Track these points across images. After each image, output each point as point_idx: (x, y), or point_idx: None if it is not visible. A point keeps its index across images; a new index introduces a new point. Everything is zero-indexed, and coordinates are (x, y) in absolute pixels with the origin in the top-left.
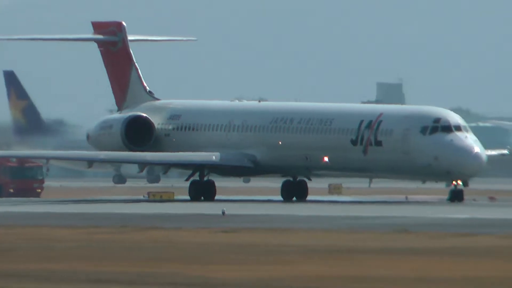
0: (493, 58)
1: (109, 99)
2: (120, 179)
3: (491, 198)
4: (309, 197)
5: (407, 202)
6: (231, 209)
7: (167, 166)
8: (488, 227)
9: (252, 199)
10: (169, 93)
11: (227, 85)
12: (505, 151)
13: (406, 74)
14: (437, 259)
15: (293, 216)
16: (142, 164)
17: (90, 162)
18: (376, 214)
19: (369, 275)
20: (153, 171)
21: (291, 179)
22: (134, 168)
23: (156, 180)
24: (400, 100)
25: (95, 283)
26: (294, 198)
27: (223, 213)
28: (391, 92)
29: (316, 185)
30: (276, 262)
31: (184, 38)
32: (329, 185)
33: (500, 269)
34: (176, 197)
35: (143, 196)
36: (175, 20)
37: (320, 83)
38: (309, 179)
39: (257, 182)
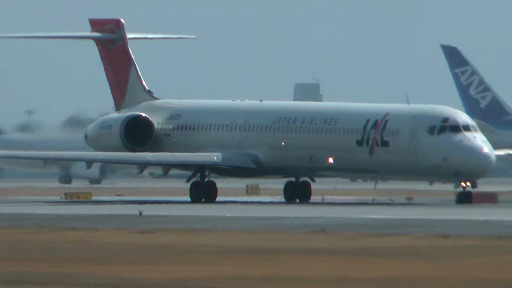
0: (406, 57)
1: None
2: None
3: (408, 198)
4: (224, 198)
5: (324, 203)
6: (148, 210)
7: (168, 167)
8: (405, 227)
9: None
10: (169, 92)
11: (227, 85)
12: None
13: (322, 75)
14: (354, 259)
15: (211, 217)
16: (143, 165)
17: (89, 162)
18: (295, 215)
19: (286, 275)
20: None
21: (293, 180)
22: (83, 168)
23: (68, 181)
24: (316, 100)
25: (11, 284)
26: (297, 200)
27: (140, 213)
28: (308, 92)
29: (235, 185)
30: (193, 262)
31: (184, 36)
32: (247, 186)
33: (414, 269)
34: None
35: (60, 198)
36: (175, 17)
37: (235, 84)
38: (313, 180)
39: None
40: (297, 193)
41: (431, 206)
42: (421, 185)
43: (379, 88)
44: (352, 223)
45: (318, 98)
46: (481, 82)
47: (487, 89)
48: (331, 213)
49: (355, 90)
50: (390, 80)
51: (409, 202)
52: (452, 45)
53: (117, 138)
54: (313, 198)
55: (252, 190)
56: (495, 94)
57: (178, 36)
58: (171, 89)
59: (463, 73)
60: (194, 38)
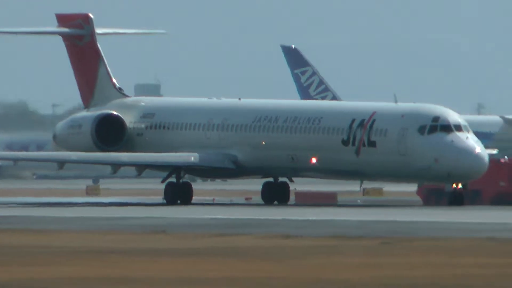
0: (246, 56)
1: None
2: None
3: (247, 199)
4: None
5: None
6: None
7: (142, 167)
8: (246, 227)
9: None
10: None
11: (201, 82)
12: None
13: (163, 75)
14: (195, 260)
15: (54, 218)
16: (117, 165)
17: (61, 163)
18: (136, 215)
19: (128, 276)
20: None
21: (271, 180)
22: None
23: None
24: None
25: None
26: (276, 202)
27: None
28: (149, 93)
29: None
30: (39, 263)
31: (154, 31)
32: (87, 187)
33: (254, 269)
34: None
35: None
36: (144, 12)
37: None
38: (291, 181)
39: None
40: (276, 194)
41: (271, 207)
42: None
43: (218, 87)
44: (193, 223)
45: None
46: (321, 82)
47: (326, 89)
48: (172, 213)
49: (197, 89)
50: (228, 80)
51: (248, 203)
52: (292, 45)
53: (87, 138)
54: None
55: (91, 191)
56: (334, 94)
57: (148, 31)
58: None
59: (303, 73)
60: (163, 33)
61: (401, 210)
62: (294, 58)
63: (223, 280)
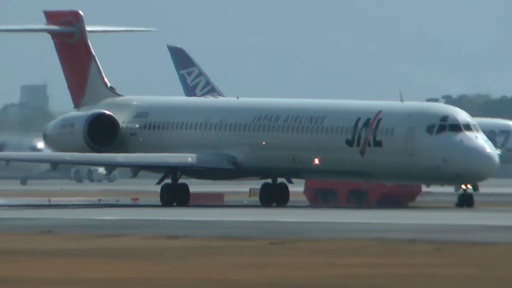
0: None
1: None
2: None
3: (134, 199)
4: None
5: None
6: None
7: (137, 169)
8: (132, 228)
9: None
10: (130, 88)
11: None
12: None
13: (50, 76)
14: (80, 260)
15: None
16: (112, 166)
17: (55, 164)
18: (21, 216)
19: (12, 276)
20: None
21: (270, 181)
22: None
23: None
24: (44, 102)
25: None
26: (274, 204)
27: None
28: (35, 94)
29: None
30: None
31: (145, 29)
32: None
33: (140, 269)
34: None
35: None
36: (134, 9)
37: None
38: (290, 182)
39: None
40: (274, 196)
41: (157, 208)
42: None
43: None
44: (78, 224)
45: (45, 99)
46: (208, 83)
47: (213, 89)
48: (58, 214)
49: None
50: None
51: (135, 203)
52: (179, 46)
53: (80, 138)
54: (40, 200)
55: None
56: (220, 93)
57: (139, 28)
58: (131, 85)
59: (189, 74)
60: (154, 30)
61: (288, 210)
62: (180, 58)
63: (104, 281)
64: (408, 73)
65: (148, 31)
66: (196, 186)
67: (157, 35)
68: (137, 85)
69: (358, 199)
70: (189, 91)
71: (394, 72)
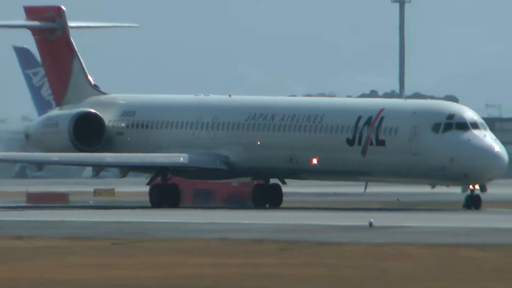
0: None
1: None
2: None
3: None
4: None
5: None
6: None
7: (126, 169)
8: None
9: None
10: (112, 86)
11: (174, 78)
12: None
13: None
14: None
15: None
16: (100, 167)
17: (41, 164)
18: None
19: None
20: None
21: (262, 182)
22: None
23: None
24: None
25: None
26: (267, 205)
27: None
28: None
29: None
30: None
31: (128, 25)
32: None
33: None
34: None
35: None
36: (118, 4)
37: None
38: (283, 183)
39: None
40: (267, 197)
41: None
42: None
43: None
44: None
45: None
46: None
47: None
48: None
49: None
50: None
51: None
52: (25, 46)
53: (65, 137)
54: None
55: None
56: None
57: (122, 24)
58: (114, 83)
59: (35, 74)
60: (136, 26)
61: (133, 211)
62: (26, 58)
63: None
64: (249, 72)
65: (131, 27)
66: (38, 186)
67: (140, 32)
68: (120, 83)
69: (204, 199)
70: (35, 91)
71: (237, 71)
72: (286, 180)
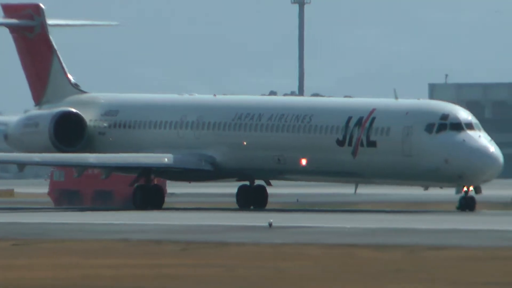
0: None
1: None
2: None
3: None
4: None
5: None
6: None
7: (109, 170)
8: None
9: None
10: (92, 85)
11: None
12: None
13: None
14: None
15: None
16: (84, 168)
17: (22, 165)
18: None
19: None
20: None
21: (247, 183)
22: None
23: None
24: None
25: None
26: (252, 207)
27: None
28: None
29: None
30: None
31: (106, 23)
32: None
33: None
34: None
35: None
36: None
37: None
38: (269, 184)
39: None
40: (252, 199)
41: None
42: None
43: None
44: None
45: None
46: None
47: None
48: None
49: None
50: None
51: None
52: None
53: (45, 137)
54: None
55: None
56: None
57: (101, 22)
58: (93, 82)
59: None
60: (116, 24)
61: (33, 211)
62: None
63: None
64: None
65: (110, 25)
66: None
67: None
68: (101, 82)
69: (104, 200)
70: None
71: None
72: (272, 182)
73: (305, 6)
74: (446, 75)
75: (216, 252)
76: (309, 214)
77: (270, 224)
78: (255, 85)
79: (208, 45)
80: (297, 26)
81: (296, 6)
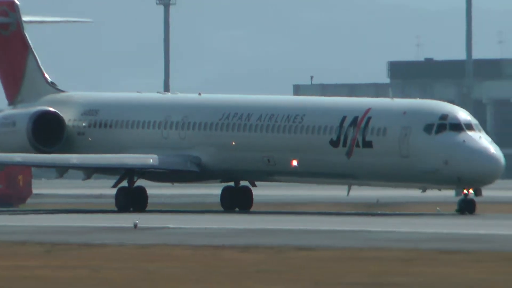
0: None
1: None
2: None
3: None
4: None
5: None
6: None
7: (92, 170)
8: None
9: None
10: (72, 84)
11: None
12: None
13: None
14: None
15: None
16: (65, 168)
17: (1, 166)
18: None
19: None
20: None
21: (232, 185)
22: None
23: None
24: None
25: None
26: (237, 209)
27: None
28: None
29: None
30: None
31: (81, 20)
32: None
33: None
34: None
35: None
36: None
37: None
38: (254, 185)
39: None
40: (237, 200)
41: None
42: None
43: None
44: None
45: None
46: None
47: None
48: None
49: None
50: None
51: None
52: None
53: (23, 137)
54: None
55: None
56: None
57: (75, 19)
58: (68, 80)
59: None
60: (90, 21)
61: None
62: None
63: None
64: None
65: (84, 22)
66: None
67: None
68: (76, 81)
69: None
70: None
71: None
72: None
73: (171, 7)
74: (312, 76)
75: (80, 254)
76: (177, 216)
77: (135, 225)
78: (122, 86)
79: (75, 46)
80: (163, 27)
81: (161, 7)
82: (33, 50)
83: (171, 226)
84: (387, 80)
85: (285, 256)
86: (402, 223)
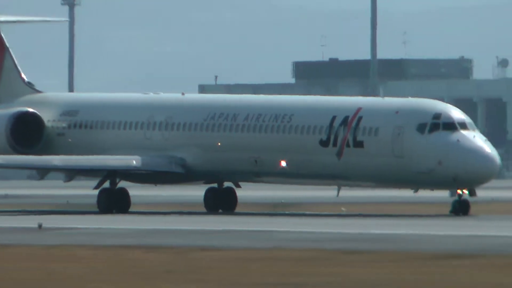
0: None
1: None
2: None
3: None
4: None
5: None
6: None
7: (73, 172)
8: None
9: None
10: (50, 85)
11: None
12: None
13: None
14: None
15: None
16: (47, 170)
17: None
18: None
19: None
20: None
21: (215, 186)
22: None
23: None
24: None
25: None
26: (220, 210)
27: None
28: None
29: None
30: None
31: (57, 19)
32: None
33: None
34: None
35: None
36: None
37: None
38: (238, 186)
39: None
40: (220, 201)
41: None
42: None
43: None
44: None
45: None
46: None
47: None
48: None
49: None
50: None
51: None
52: None
53: (1, 139)
54: None
55: None
56: None
57: (51, 19)
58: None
59: None
60: (66, 20)
61: None
62: None
63: None
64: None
65: (60, 21)
66: None
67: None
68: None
69: None
70: None
71: None
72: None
73: (75, 7)
74: (216, 76)
75: None
76: (79, 216)
77: (40, 226)
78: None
79: None
80: (68, 27)
81: (66, 8)
82: (10, 50)
83: (75, 226)
84: (292, 80)
85: (190, 257)
86: (307, 223)
